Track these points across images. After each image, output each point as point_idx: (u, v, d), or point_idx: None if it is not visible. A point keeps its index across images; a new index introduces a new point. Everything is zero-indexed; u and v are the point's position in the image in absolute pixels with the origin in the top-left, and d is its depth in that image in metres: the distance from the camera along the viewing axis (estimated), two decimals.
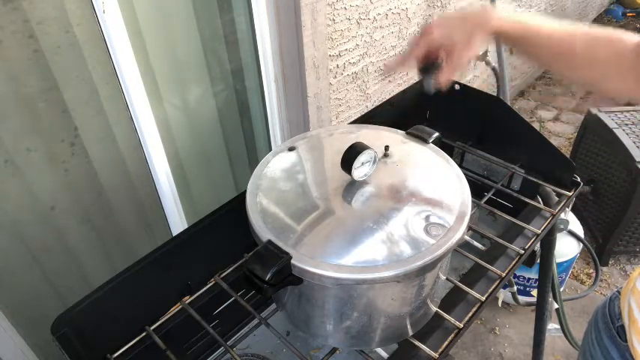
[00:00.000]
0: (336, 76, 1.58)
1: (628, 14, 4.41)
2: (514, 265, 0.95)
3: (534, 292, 1.77)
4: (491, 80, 2.73)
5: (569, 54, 0.71)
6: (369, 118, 1.19)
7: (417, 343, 0.80)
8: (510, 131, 1.19)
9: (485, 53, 2.49)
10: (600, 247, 2.13)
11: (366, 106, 1.81)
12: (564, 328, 1.60)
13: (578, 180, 1.12)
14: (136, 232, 1.38)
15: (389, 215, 0.71)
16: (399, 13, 1.73)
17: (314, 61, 1.43)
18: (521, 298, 1.79)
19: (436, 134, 0.88)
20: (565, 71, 0.75)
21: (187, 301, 0.92)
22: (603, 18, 4.50)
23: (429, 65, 0.77)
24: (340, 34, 1.51)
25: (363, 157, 0.74)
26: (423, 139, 0.88)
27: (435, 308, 0.82)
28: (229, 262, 0.98)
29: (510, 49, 2.39)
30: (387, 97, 1.31)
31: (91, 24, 1.03)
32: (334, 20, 1.46)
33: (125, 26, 1.06)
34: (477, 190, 1.02)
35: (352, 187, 0.76)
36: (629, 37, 0.67)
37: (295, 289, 0.71)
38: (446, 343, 0.80)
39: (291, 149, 0.87)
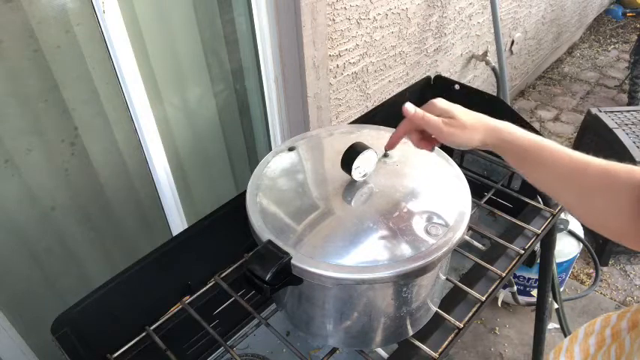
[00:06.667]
0: (336, 76, 1.58)
1: (628, 14, 4.41)
2: (514, 265, 0.95)
3: (534, 292, 1.77)
4: (491, 80, 2.72)
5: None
6: (369, 118, 1.19)
7: (417, 343, 0.80)
8: None
9: (485, 53, 2.49)
10: (600, 247, 2.12)
11: (366, 106, 1.81)
12: (564, 328, 1.60)
13: None
14: (136, 232, 1.38)
15: (389, 215, 0.71)
16: (399, 13, 1.73)
17: (314, 61, 1.43)
18: (521, 298, 1.79)
19: None
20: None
21: (187, 301, 0.92)
22: (603, 18, 4.50)
23: None
24: (340, 34, 1.51)
25: (363, 157, 0.74)
26: None
27: (435, 308, 0.82)
28: (229, 262, 0.98)
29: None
30: (387, 97, 1.31)
31: (91, 24, 1.03)
32: (334, 20, 1.45)
33: (125, 26, 1.05)
34: (477, 190, 1.02)
35: (352, 187, 0.76)
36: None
37: (295, 289, 0.71)
38: (446, 343, 0.80)
39: (291, 149, 0.87)
